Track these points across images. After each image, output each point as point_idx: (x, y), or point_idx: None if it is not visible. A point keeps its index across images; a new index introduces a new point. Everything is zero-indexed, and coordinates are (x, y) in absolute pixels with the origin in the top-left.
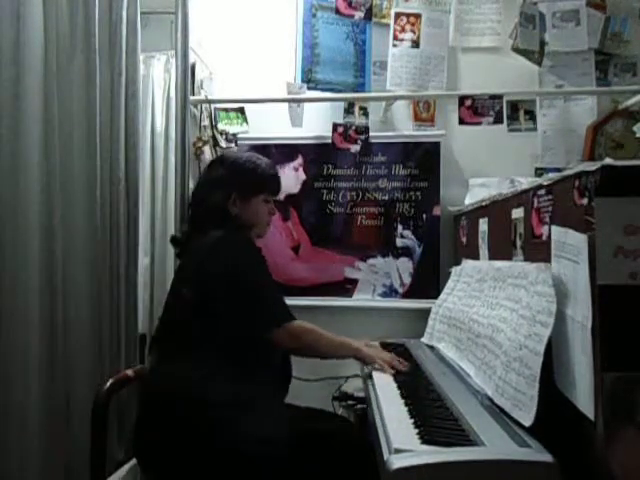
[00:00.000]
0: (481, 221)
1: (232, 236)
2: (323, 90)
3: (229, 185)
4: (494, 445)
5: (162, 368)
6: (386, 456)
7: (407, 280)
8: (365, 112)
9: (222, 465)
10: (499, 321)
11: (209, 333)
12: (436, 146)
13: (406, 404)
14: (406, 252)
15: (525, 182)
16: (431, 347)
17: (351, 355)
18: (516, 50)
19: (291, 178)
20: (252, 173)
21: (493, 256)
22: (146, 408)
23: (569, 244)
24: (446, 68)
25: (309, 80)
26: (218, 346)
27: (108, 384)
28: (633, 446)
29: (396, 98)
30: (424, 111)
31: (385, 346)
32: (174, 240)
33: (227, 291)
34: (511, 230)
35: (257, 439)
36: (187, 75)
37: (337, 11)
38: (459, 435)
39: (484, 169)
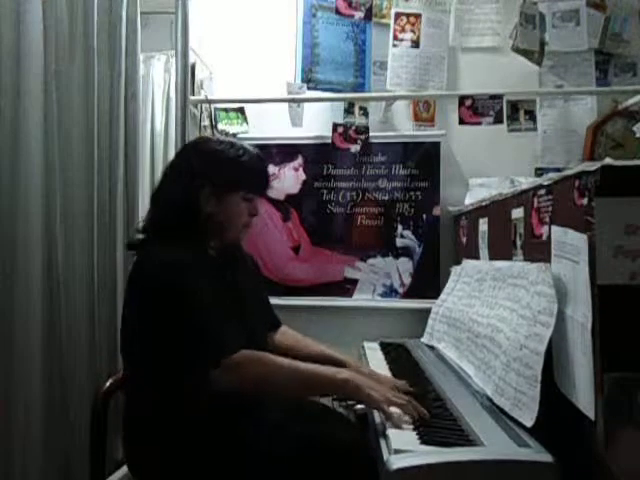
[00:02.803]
0: (481, 221)
1: (159, 266)
2: (323, 90)
3: (203, 176)
4: (494, 445)
5: (141, 379)
6: (386, 456)
7: (407, 280)
8: (365, 112)
9: (215, 471)
10: (499, 321)
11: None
12: (436, 146)
13: None
14: (406, 252)
15: (525, 182)
16: (431, 347)
17: (337, 391)
18: (516, 50)
19: (291, 178)
20: (232, 164)
21: (493, 256)
22: (132, 419)
23: (569, 244)
24: (446, 68)
25: (309, 80)
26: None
27: (107, 384)
28: (633, 446)
29: (396, 98)
30: (424, 111)
31: (385, 346)
32: (131, 246)
33: (149, 333)
34: (511, 230)
35: (251, 443)
36: (187, 75)
37: (337, 11)
38: (459, 435)
39: (484, 169)
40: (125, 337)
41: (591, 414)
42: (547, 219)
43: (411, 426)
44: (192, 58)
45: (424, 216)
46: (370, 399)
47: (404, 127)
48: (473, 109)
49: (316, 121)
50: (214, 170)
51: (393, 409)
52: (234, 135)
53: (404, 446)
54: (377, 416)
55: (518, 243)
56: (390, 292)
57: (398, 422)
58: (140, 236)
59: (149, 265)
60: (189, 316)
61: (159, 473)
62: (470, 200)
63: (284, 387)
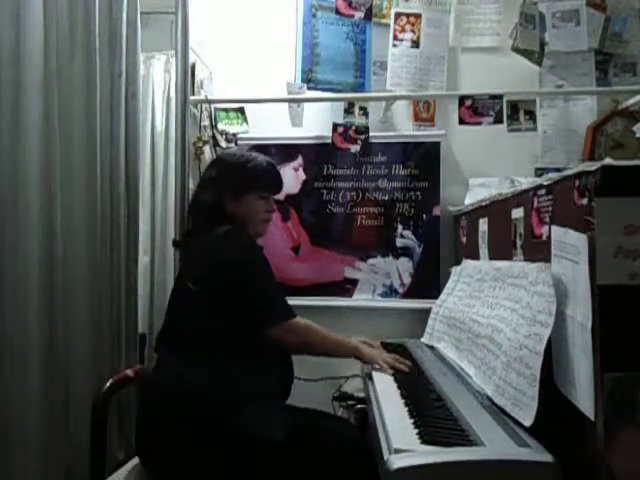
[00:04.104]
0: (481, 221)
1: (235, 233)
2: (323, 90)
3: (221, 183)
4: (494, 445)
5: (164, 367)
6: (386, 456)
7: (407, 280)
8: (365, 112)
9: (224, 463)
10: (499, 321)
11: (209, 332)
12: (436, 146)
13: (406, 404)
14: (406, 252)
15: (525, 182)
16: (431, 347)
17: (350, 354)
18: (516, 50)
19: (291, 178)
20: (243, 170)
21: (493, 256)
22: (148, 406)
23: (569, 244)
24: (446, 68)
25: (309, 80)
26: (219, 345)
27: (108, 384)
28: (633, 446)
29: (396, 98)
30: (424, 111)
31: (385, 346)
32: (175, 243)
33: (227, 288)
34: (511, 230)
35: (258, 438)
36: (187, 75)
37: (337, 11)
38: (459, 435)
39: (484, 169)
40: (187, 309)
41: (591, 414)
42: (547, 219)
43: (392, 377)
44: (192, 58)
45: (424, 216)
46: (372, 359)
47: (404, 127)
48: (473, 109)
49: (316, 121)
50: (229, 177)
51: (386, 365)
52: (234, 135)
53: (404, 446)
54: (377, 416)
55: (518, 243)
56: (390, 292)
57: (385, 370)
58: (181, 238)
59: (216, 242)
60: (266, 278)
61: (171, 462)
62: (470, 200)
63: (322, 350)
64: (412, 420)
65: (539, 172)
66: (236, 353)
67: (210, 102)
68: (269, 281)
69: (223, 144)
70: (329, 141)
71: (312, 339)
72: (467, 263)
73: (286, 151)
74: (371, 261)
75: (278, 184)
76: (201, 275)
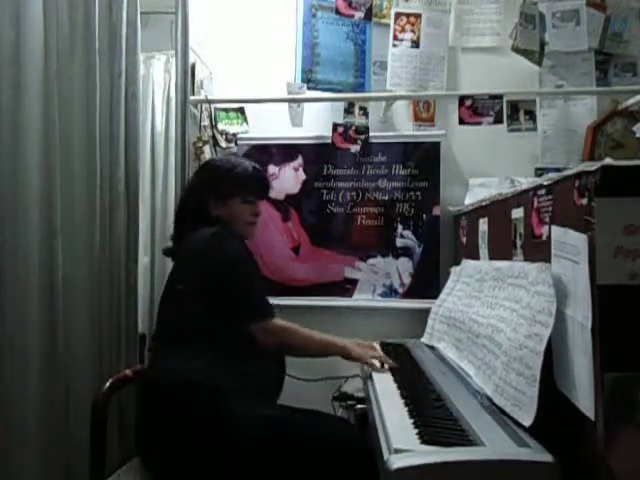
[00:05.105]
0: (481, 221)
1: (220, 234)
2: (323, 90)
3: (207, 187)
4: (494, 445)
5: (159, 365)
6: (386, 456)
7: (407, 280)
8: (365, 112)
9: (223, 462)
10: (499, 321)
11: (199, 328)
12: (436, 146)
13: (406, 404)
14: (406, 252)
15: (525, 182)
16: (431, 347)
17: (337, 353)
18: (516, 50)
19: (291, 178)
20: (227, 175)
21: (493, 256)
22: (146, 405)
23: (569, 244)
24: (446, 68)
25: (309, 80)
26: (209, 342)
27: (108, 384)
28: (633, 446)
29: (396, 98)
30: (424, 111)
31: (385, 346)
32: (165, 251)
33: (210, 288)
34: (511, 230)
35: (254, 442)
36: (187, 75)
37: (337, 11)
38: (459, 435)
39: (484, 169)
40: (176, 305)
41: (591, 414)
42: (547, 219)
43: (389, 372)
44: (192, 58)
45: (424, 216)
46: (360, 358)
47: (404, 127)
48: (473, 109)
49: (316, 121)
50: (215, 181)
51: (374, 361)
52: (234, 135)
53: (404, 446)
54: (377, 416)
55: (518, 243)
56: (390, 292)
57: (378, 369)
58: (170, 244)
59: (205, 240)
60: (246, 278)
61: (171, 460)
62: (470, 200)
63: (302, 351)
64: (412, 420)
65: (539, 172)
66: (226, 350)
67: (210, 102)
68: (249, 281)
69: (223, 144)
70: (329, 141)
71: (290, 340)
72: (467, 263)
73: (286, 151)
74: (371, 261)
75: (263, 189)
76: (188, 275)
